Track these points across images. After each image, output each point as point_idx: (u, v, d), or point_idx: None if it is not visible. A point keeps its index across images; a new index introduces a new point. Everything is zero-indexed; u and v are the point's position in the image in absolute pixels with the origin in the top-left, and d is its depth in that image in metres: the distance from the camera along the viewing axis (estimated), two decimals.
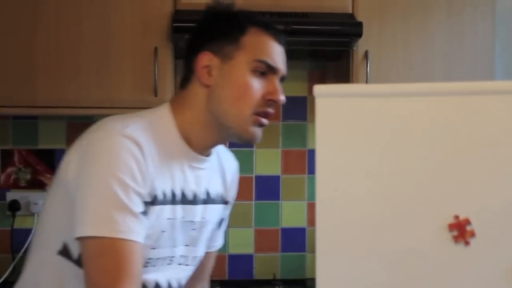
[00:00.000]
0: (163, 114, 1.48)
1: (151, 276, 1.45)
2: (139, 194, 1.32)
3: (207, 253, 1.70)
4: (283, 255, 2.98)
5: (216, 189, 1.61)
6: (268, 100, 1.44)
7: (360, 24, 2.44)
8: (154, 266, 1.45)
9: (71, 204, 1.33)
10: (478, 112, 0.89)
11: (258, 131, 1.46)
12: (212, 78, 1.45)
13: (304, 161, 2.97)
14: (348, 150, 0.90)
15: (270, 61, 1.45)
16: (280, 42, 1.50)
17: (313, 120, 2.94)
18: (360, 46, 2.54)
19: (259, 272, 2.97)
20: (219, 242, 1.77)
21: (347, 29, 2.46)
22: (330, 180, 0.91)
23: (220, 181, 1.65)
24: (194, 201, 1.51)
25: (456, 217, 0.88)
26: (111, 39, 2.47)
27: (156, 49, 2.46)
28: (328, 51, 2.70)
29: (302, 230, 2.98)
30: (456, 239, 0.88)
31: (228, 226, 2.90)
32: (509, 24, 2.97)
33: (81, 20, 2.45)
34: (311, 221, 2.98)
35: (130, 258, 1.29)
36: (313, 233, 2.98)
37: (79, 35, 2.45)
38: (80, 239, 1.30)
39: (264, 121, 1.45)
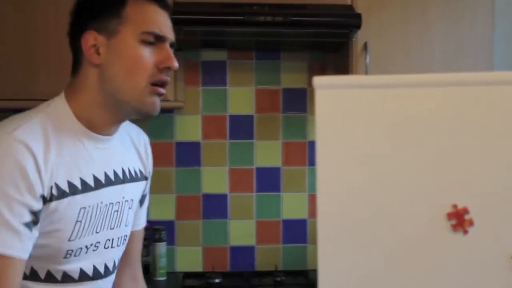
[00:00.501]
0: (59, 104, 1.43)
1: (75, 266, 1.44)
2: (23, 204, 1.28)
3: (133, 232, 1.68)
4: (284, 246, 2.99)
5: (133, 166, 1.60)
6: (162, 68, 1.42)
7: (359, 16, 2.43)
8: (76, 256, 1.43)
9: None
10: (478, 103, 0.89)
11: (156, 101, 1.44)
12: (101, 57, 1.41)
13: (304, 153, 2.98)
14: (348, 141, 0.90)
15: (157, 31, 1.42)
16: (163, 6, 1.47)
17: (313, 112, 2.94)
18: (359, 38, 2.54)
19: (261, 263, 2.98)
20: (142, 221, 1.74)
21: (346, 20, 2.46)
22: (331, 171, 0.91)
23: (136, 156, 1.63)
24: (109, 183, 1.48)
25: (455, 206, 0.89)
26: None
27: None
28: (328, 42, 2.70)
29: (303, 221, 2.99)
30: (454, 228, 0.89)
31: (229, 218, 2.96)
32: (508, 14, 2.97)
33: None
34: (312, 212, 2.99)
35: (3, 273, 1.27)
36: (314, 224, 2.99)
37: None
38: None
39: (161, 90, 1.43)
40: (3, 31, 2.43)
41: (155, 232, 2.86)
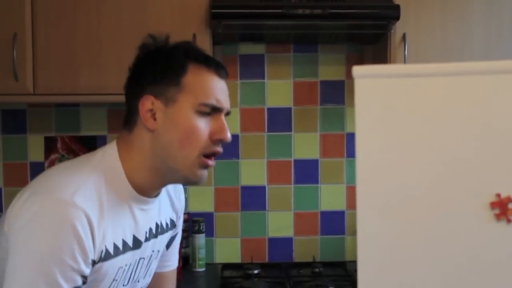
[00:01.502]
0: (113, 161, 1.43)
1: None
2: (77, 271, 1.28)
3: (163, 274, 1.71)
4: (322, 238, 3.00)
5: (166, 218, 1.61)
6: (215, 139, 1.42)
7: (397, 7, 2.43)
8: None
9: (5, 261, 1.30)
10: None
11: (204, 173, 1.44)
12: (157, 122, 1.41)
13: (342, 145, 2.98)
14: (389, 131, 0.89)
15: (215, 103, 1.42)
16: (221, 76, 1.46)
17: (351, 104, 2.95)
18: (398, 29, 2.53)
19: (299, 254, 3.00)
20: (173, 262, 1.76)
21: (385, 12, 2.45)
22: (371, 162, 0.89)
23: (169, 206, 1.64)
24: (146, 240, 1.50)
25: (498, 195, 0.88)
26: (150, 27, 2.49)
27: (194, 35, 2.48)
28: (366, 34, 2.69)
29: (341, 213, 3.00)
30: (498, 217, 0.88)
31: (268, 210, 2.97)
32: None
33: (120, 9, 2.49)
34: (350, 204, 2.99)
35: None
36: (352, 216, 3.00)
37: (119, 23, 2.49)
38: None
39: (210, 163, 1.43)
40: (47, 27, 2.48)
41: (195, 223, 2.89)
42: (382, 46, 2.66)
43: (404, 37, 2.52)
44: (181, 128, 1.39)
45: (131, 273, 1.48)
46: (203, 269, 2.87)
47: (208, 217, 2.98)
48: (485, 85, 0.88)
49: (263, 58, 2.95)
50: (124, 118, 1.48)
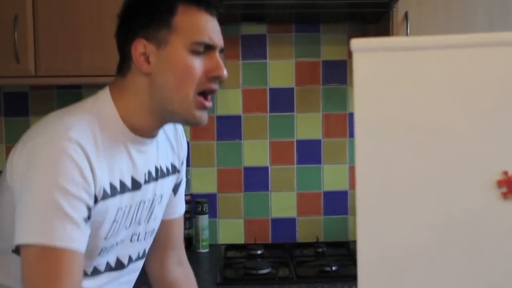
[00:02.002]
0: (106, 105, 1.43)
1: (103, 260, 1.46)
2: (82, 200, 1.30)
3: (170, 221, 1.70)
4: (325, 218, 3.01)
5: (166, 162, 1.60)
6: (211, 77, 1.41)
7: None
8: (107, 252, 1.45)
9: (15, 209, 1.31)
10: None
11: (203, 115, 1.43)
12: (151, 66, 1.40)
13: (345, 125, 2.98)
14: (389, 107, 0.84)
15: (207, 40, 1.40)
16: (212, 14, 1.44)
17: (353, 84, 2.93)
18: (400, 7, 2.52)
19: (302, 235, 3.01)
20: (179, 208, 1.75)
21: None
22: (370, 140, 0.85)
23: (170, 150, 1.64)
24: (145, 182, 1.50)
25: (505, 173, 0.85)
26: None
27: None
28: (368, 13, 2.68)
29: (344, 193, 3.00)
30: (505, 195, 0.85)
31: (270, 191, 2.98)
32: None
33: None
34: (353, 184, 2.97)
35: (68, 266, 1.28)
36: (355, 196, 2.98)
37: (121, 3, 2.47)
38: (20, 246, 1.28)
39: (207, 103, 1.42)
40: (48, 8, 2.47)
41: (198, 205, 2.89)
42: (384, 25, 2.65)
43: (406, 16, 2.51)
44: (175, 68, 1.39)
45: (133, 216, 1.48)
46: (207, 250, 2.88)
47: (211, 198, 2.98)
48: (490, 58, 0.84)
49: (265, 38, 2.94)
50: (118, 66, 1.48)
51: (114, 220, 1.42)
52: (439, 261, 0.87)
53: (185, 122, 1.47)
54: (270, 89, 2.96)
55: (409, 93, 0.85)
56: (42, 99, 2.90)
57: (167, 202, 1.66)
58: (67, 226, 1.27)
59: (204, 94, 1.42)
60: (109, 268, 1.49)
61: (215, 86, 1.43)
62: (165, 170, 1.59)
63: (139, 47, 1.40)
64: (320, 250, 2.79)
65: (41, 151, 1.30)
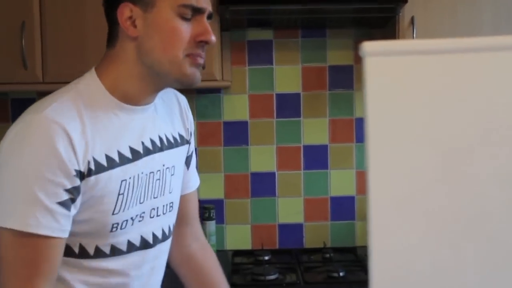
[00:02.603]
0: (89, 80, 1.43)
1: (122, 238, 1.45)
2: (56, 183, 1.30)
3: (183, 196, 1.69)
4: (332, 223, 3.00)
5: (171, 132, 1.58)
6: (199, 41, 1.40)
7: None
8: (123, 228, 1.44)
9: None
10: None
11: (196, 72, 1.42)
12: (138, 29, 1.39)
13: (351, 130, 2.97)
14: (402, 113, 0.80)
15: (194, 4, 1.39)
16: None
17: (359, 89, 2.94)
18: (406, 12, 2.52)
19: (310, 240, 3.00)
20: (193, 182, 1.74)
21: None
22: (383, 144, 0.81)
23: (176, 120, 1.62)
24: (147, 152, 1.48)
25: None
26: None
27: None
28: (374, 18, 2.68)
29: (351, 198, 3.00)
30: None
31: (278, 196, 2.98)
32: None
33: None
34: (360, 189, 2.99)
35: (39, 252, 1.31)
36: (362, 201, 2.99)
37: None
38: None
39: (200, 60, 1.41)
40: (55, 14, 2.48)
41: (205, 211, 2.89)
42: (390, 30, 2.65)
43: (412, 20, 2.51)
44: (163, 31, 1.38)
45: (144, 188, 1.47)
46: None
47: (218, 204, 2.98)
48: (504, 62, 0.80)
49: (271, 43, 2.95)
50: (107, 37, 1.47)
51: (120, 193, 1.41)
52: (454, 265, 0.83)
53: (178, 83, 1.44)
54: (277, 95, 2.96)
55: (423, 97, 0.80)
56: None
57: (181, 176, 1.64)
58: (37, 213, 1.29)
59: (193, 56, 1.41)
60: (133, 247, 1.48)
61: (202, 52, 1.42)
62: (172, 140, 1.57)
63: (125, 11, 1.39)
64: (327, 255, 2.79)
65: (16, 134, 1.32)
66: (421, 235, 0.82)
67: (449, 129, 0.81)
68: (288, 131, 2.98)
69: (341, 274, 2.53)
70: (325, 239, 2.99)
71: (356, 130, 2.97)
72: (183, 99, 1.68)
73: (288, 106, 2.96)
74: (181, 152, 1.62)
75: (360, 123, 2.96)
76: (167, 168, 1.54)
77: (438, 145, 0.81)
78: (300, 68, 2.96)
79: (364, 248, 2.91)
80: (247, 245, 3.00)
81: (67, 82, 2.47)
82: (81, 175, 1.33)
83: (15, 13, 2.45)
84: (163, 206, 1.55)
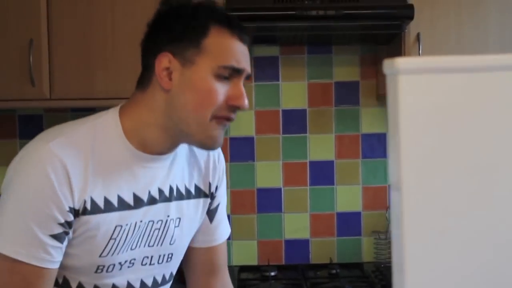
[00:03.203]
0: (109, 118, 1.41)
1: (107, 281, 1.43)
2: (50, 217, 1.29)
3: (211, 248, 1.64)
4: (339, 239, 3.00)
5: (185, 183, 1.53)
6: (231, 105, 1.37)
7: (411, 7, 2.42)
8: (109, 272, 1.42)
9: None
10: None
11: (220, 135, 1.39)
12: (172, 82, 1.36)
13: (357, 146, 2.98)
14: (439, 136, 0.71)
15: (234, 65, 1.36)
16: (244, 41, 1.40)
17: (365, 105, 2.95)
18: (412, 29, 2.53)
19: (316, 256, 3.00)
20: (219, 235, 1.66)
21: (398, 12, 2.44)
22: (419, 170, 0.72)
23: (196, 172, 1.56)
24: (152, 201, 1.44)
25: None
26: None
27: None
28: (380, 35, 2.69)
29: (358, 214, 2.99)
30: None
31: (284, 212, 2.97)
32: None
33: (135, 10, 2.50)
34: (366, 205, 2.99)
35: (26, 280, 1.32)
36: (368, 216, 2.99)
37: (135, 25, 2.48)
38: None
39: (227, 122, 1.39)
40: (62, 32, 2.50)
41: None
42: (396, 46, 2.66)
43: (418, 37, 2.52)
44: (197, 91, 1.35)
45: (139, 237, 1.44)
46: None
47: None
48: None
49: (277, 60, 2.96)
50: (139, 77, 1.44)
51: (112, 238, 1.39)
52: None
53: (199, 144, 1.42)
54: (283, 111, 2.97)
55: (464, 119, 0.72)
56: (57, 122, 2.89)
57: (198, 230, 1.60)
58: (30, 244, 1.30)
59: (221, 119, 1.38)
60: None
61: (233, 115, 1.39)
62: (183, 191, 1.52)
63: (164, 61, 1.36)
64: (333, 271, 2.78)
65: (21, 159, 1.35)
66: (465, 266, 0.73)
67: (491, 150, 0.73)
68: (294, 147, 2.98)
69: None
70: (332, 255, 2.98)
71: (362, 146, 2.97)
72: (215, 153, 1.60)
73: (294, 122, 2.97)
74: (195, 205, 1.57)
75: (366, 139, 2.97)
76: (172, 219, 1.50)
77: (476, 167, 0.73)
78: (306, 84, 2.97)
79: (371, 264, 2.91)
80: (253, 260, 3.00)
81: (74, 99, 2.51)
82: (75, 212, 1.33)
83: (23, 31, 2.47)
84: (159, 256, 1.51)
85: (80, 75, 2.50)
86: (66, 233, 1.33)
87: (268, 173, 2.98)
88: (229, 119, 1.39)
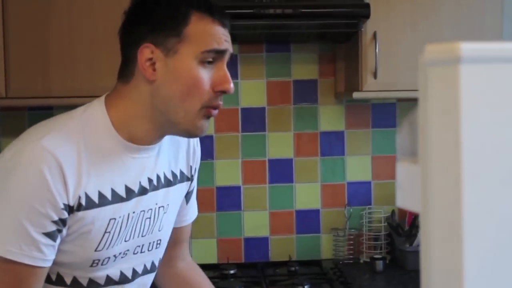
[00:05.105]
0: (97, 111, 1.39)
1: (101, 273, 1.43)
2: (43, 215, 1.28)
3: (181, 228, 1.69)
4: (298, 236, 3.01)
5: (173, 169, 1.54)
6: (218, 91, 1.36)
7: (367, 6, 2.45)
8: (104, 264, 1.42)
9: None
10: None
11: (206, 124, 1.39)
12: (156, 73, 1.34)
13: (316, 143, 3.00)
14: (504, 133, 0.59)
15: (216, 47, 1.35)
16: (225, 24, 1.39)
17: (323, 102, 2.97)
18: (369, 27, 2.55)
19: (275, 254, 3.01)
20: (190, 216, 1.72)
21: (355, 10, 2.47)
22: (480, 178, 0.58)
23: (180, 156, 1.58)
24: (143, 192, 1.44)
25: None
26: None
27: None
28: (337, 33, 2.71)
29: (316, 211, 3.01)
30: None
31: (243, 210, 2.98)
32: None
33: (92, 9, 2.48)
34: (325, 202, 3.01)
35: (19, 279, 1.30)
36: (326, 214, 3.01)
37: (92, 24, 2.48)
38: None
39: (214, 112, 1.38)
40: (18, 30, 2.46)
41: None
42: (353, 45, 2.68)
43: (375, 35, 2.55)
44: (182, 80, 1.34)
45: (133, 227, 1.44)
46: None
47: None
48: None
49: (236, 58, 2.96)
50: (120, 69, 1.42)
51: (106, 231, 1.38)
52: None
53: (186, 133, 1.41)
54: (242, 109, 2.97)
55: None
56: (13, 120, 2.88)
57: (178, 211, 1.62)
58: (22, 241, 1.28)
59: (209, 108, 1.37)
60: (111, 281, 1.46)
61: (220, 102, 1.39)
62: (170, 177, 1.53)
63: (146, 52, 1.34)
64: (293, 269, 2.80)
65: (11, 158, 1.31)
66: None
67: None
68: (253, 145, 2.99)
69: (306, 287, 2.54)
70: (291, 252, 3.00)
71: (320, 144, 2.99)
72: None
73: (253, 120, 2.98)
74: (179, 189, 1.59)
75: (324, 136, 2.99)
76: (160, 207, 1.51)
77: None
78: (265, 82, 2.98)
79: (329, 261, 2.93)
80: (212, 259, 3.00)
81: (31, 98, 2.48)
82: (70, 209, 1.31)
83: None
84: (150, 243, 1.52)
85: (36, 74, 2.47)
86: (60, 231, 1.31)
87: (227, 172, 2.98)
88: (217, 107, 1.39)
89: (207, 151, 2.96)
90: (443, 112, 0.58)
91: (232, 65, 2.91)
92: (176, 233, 1.67)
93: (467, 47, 0.56)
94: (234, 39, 2.84)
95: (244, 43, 2.96)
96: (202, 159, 2.91)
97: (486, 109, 0.58)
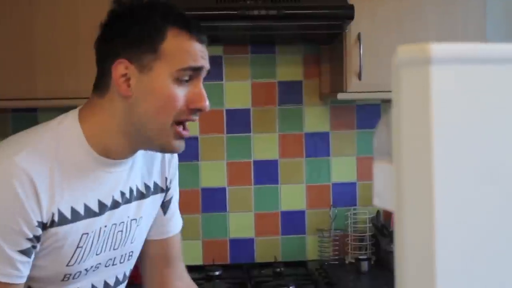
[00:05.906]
0: (71, 125, 1.37)
1: (72, 286, 1.42)
2: (17, 232, 1.27)
3: (166, 240, 1.65)
4: (283, 237, 3.02)
5: (145, 182, 1.53)
6: (192, 109, 1.35)
7: (351, 7, 2.45)
8: (75, 278, 1.41)
9: None
10: None
11: (181, 143, 1.38)
12: (131, 89, 1.32)
13: (301, 145, 3.00)
14: (475, 134, 0.59)
15: (192, 64, 1.34)
16: (202, 42, 1.38)
17: (308, 104, 2.97)
18: (353, 29, 2.56)
19: (261, 255, 3.01)
20: (172, 227, 1.68)
21: (339, 12, 2.47)
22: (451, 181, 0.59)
23: (154, 169, 1.56)
24: (115, 205, 1.43)
25: None
26: None
27: None
28: (321, 34, 2.72)
29: (302, 212, 3.02)
30: None
31: (228, 211, 2.98)
32: (501, 3, 2.99)
33: (78, 10, 2.47)
34: (310, 203, 3.01)
35: None
36: (312, 215, 3.02)
37: (77, 25, 2.47)
38: None
39: (185, 133, 1.36)
40: (2, 31, 2.45)
41: None
42: (338, 46, 2.69)
43: (359, 37, 2.55)
44: (157, 96, 1.32)
45: (104, 241, 1.43)
46: None
47: None
48: None
49: (221, 59, 2.96)
50: (95, 81, 1.40)
51: (78, 246, 1.37)
52: None
53: (161, 149, 1.41)
54: (227, 110, 2.97)
55: (500, 114, 0.60)
56: None
57: (152, 223, 1.60)
58: None
59: (181, 124, 1.36)
60: None
61: (195, 117, 1.37)
62: (143, 190, 1.52)
63: (120, 68, 1.32)
64: (278, 270, 2.79)
65: None
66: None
67: None
68: (238, 147, 2.99)
69: None
70: (276, 253, 3.00)
71: (305, 145, 3.00)
72: None
73: (238, 121, 2.98)
74: (153, 201, 1.57)
75: (309, 138, 2.99)
76: (133, 219, 1.50)
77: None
78: (250, 83, 2.98)
79: (315, 262, 2.94)
80: (198, 260, 2.99)
81: (15, 100, 2.47)
82: (43, 226, 1.31)
83: None
84: (122, 256, 1.51)
85: (21, 75, 2.46)
86: (34, 247, 1.31)
87: (212, 173, 2.98)
88: (190, 120, 1.37)
89: (192, 153, 2.96)
90: (414, 112, 0.59)
91: (217, 66, 2.92)
92: (163, 247, 1.65)
93: (437, 48, 0.57)
94: (219, 40, 2.87)
95: (229, 45, 2.96)
96: (187, 160, 2.95)
97: (457, 109, 0.58)
